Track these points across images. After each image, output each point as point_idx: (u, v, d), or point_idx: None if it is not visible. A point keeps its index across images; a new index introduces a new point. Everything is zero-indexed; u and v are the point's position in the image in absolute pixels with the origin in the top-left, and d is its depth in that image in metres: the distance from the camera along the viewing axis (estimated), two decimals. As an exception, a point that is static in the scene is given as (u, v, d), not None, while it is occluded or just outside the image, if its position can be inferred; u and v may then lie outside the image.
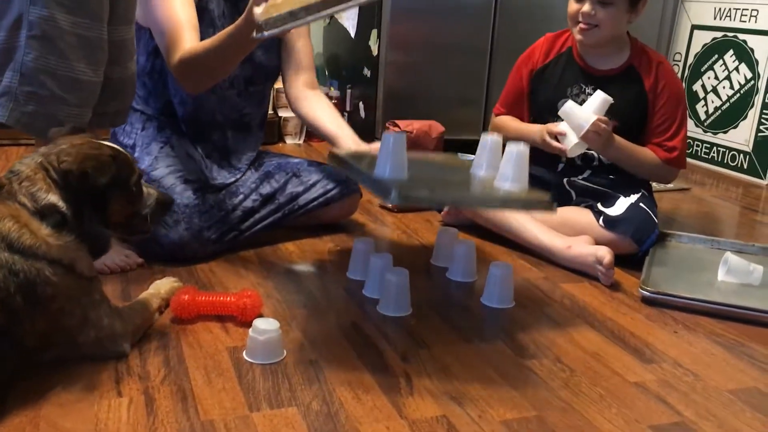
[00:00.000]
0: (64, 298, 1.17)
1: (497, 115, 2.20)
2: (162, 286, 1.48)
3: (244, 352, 1.31)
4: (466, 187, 1.50)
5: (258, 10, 1.43)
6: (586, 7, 1.92)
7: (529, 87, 2.10)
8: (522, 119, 2.13)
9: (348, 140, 1.84)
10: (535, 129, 2.01)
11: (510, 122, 2.12)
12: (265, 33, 1.34)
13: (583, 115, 1.87)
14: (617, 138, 1.93)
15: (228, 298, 1.43)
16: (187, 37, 1.67)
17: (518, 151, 1.48)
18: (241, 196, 1.87)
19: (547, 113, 2.09)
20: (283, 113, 3.20)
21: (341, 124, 1.91)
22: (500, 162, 1.55)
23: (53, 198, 1.17)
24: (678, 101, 2.01)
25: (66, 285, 1.16)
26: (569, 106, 1.89)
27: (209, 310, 1.43)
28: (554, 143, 1.92)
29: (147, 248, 1.72)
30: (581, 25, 1.95)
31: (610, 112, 1.93)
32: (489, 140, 1.61)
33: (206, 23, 1.82)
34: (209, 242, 1.75)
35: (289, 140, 3.23)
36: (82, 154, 1.21)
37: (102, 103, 1.56)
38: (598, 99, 1.89)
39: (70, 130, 1.31)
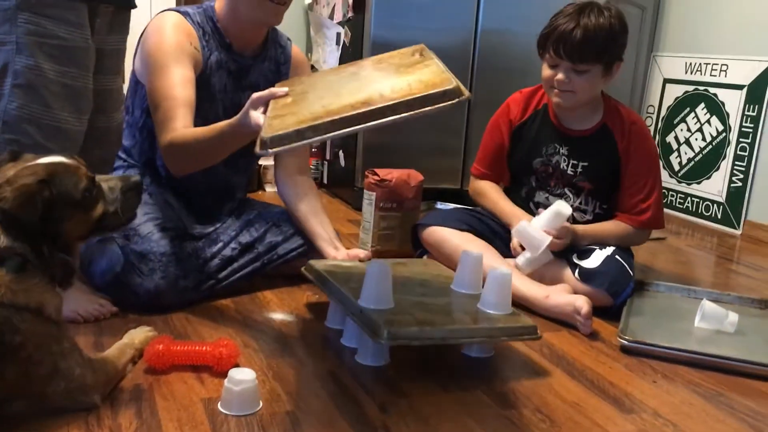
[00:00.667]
0: (34, 347, 1.13)
1: (477, 176, 2.19)
2: (136, 335, 1.45)
3: (219, 404, 1.28)
4: (451, 315, 1.53)
5: (255, 114, 1.41)
6: (561, 75, 1.92)
7: (510, 143, 2.11)
8: (502, 177, 2.16)
9: (326, 244, 1.86)
10: (510, 215, 2.03)
11: (491, 193, 2.13)
12: (269, 151, 1.28)
13: (537, 236, 1.89)
14: (580, 229, 1.97)
15: (203, 348, 1.41)
16: (180, 116, 1.63)
17: (501, 277, 1.54)
18: (220, 245, 1.86)
19: (523, 174, 2.11)
20: (263, 161, 3.21)
21: (323, 221, 1.91)
22: (480, 281, 1.63)
23: (6, 241, 1.14)
24: (650, 164, 2.02)
25: (35, 332, 1.13)
26: (522, 228, 1.90)
27: (184, 360, 1.41)
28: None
29: (122, 297, 1.69)
30: (556, 91, 1.95)
31: (585, 173, 1.98)
32: (470, 258, 1.64)
33: (205, 96, 1.80)
34: (186, 291, 1.73)
35: (269, 188, 3.23)
36: (15, 190, 1.14)
37: (85, 151, 1.55)
38: (551, 214, 1.90)
39: (9, 155, 1.23)
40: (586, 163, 1.99)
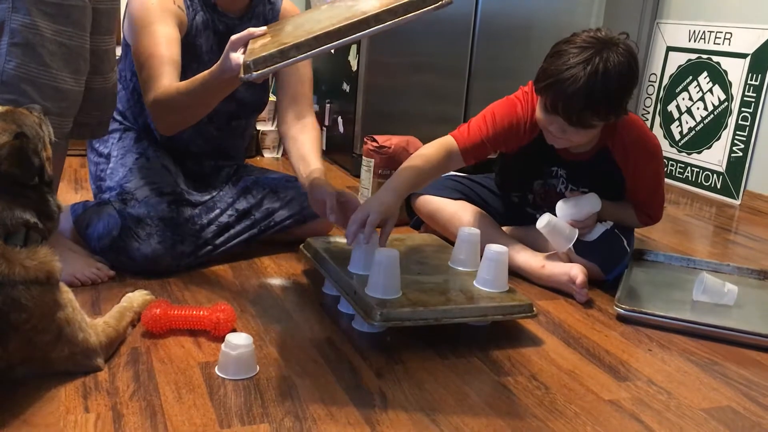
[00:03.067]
0: (38, 317, 1.14)
1: (456, 142, 1.84)
2: (134, 299, 1.45)
3: (216, 368, 1.28)
4: (446, 295, 1.51)
5: (235, 55, 1.38)
6: (554, 128, 1.72)
7: (512, 157, 1.94)
8: (476, 162, 1.90)
9: (305, 164, 1.78)
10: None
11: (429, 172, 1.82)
12: (254, 74, 1.25)
13: (567, 232, 1.80)
14: (605, 205, 1.86)
15: (201, 313, 1.41)
16: (165, 74, 1.59)
17: (497, 255, 1.52)
18: (217, 211, 1.85)
19: (517, 188, 2.02)
20: (261, 127, 3.19)
21: (309, 162, 1.80)
22: (478, 257, 1.62)
23: (11, 213, 1.12)
24: (657, 175, 1.89)
25: (41, 304, 1.13)
26: (553, 223, 1.79)
27: (181, 324, 1.41)
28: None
29: (119, 261, 1.69)
30: (551, 136, 1.76)
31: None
32: (467, 234, 1.63)
33: (192, 58, 1.78)
34: (182, 256, 1.73)
35: (267, 154, 3.22)
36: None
37: (83, 113, 1.54)
38: (585, 210, 1.81)
39: None
40: (585, 189, 1.88)
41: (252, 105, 1.98)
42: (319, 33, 1.23)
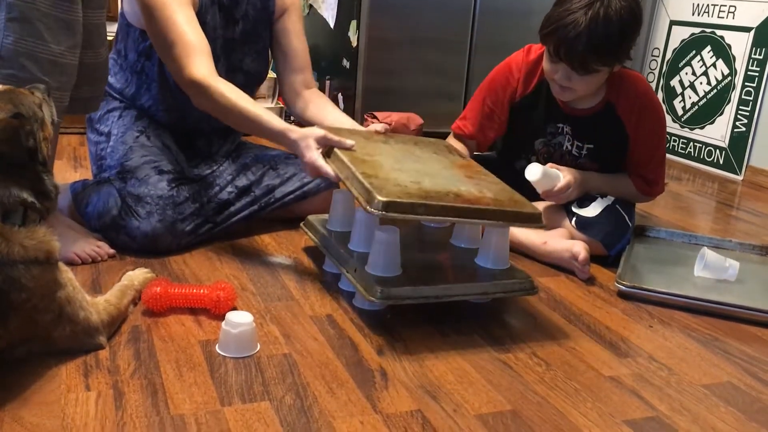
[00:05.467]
0: (39, 297, 1.13)
1: (458, 135, 2.03)
2: (135, 277, 1.45)
3: (216, 346, 1.29)
4: (446, 272, 1.51)
5: (316, 155, 1.49)
6: (559, 75, 1.78)
7: (509, 116, 1.98)
8: (487, 140, 2.02)
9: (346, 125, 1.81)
10: None
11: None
12: (383, 213, 1.32)
13: (552, 173, 1.84)
14: (592, 179, 1.91)
15: (201, 291, 1.41)
16: (202, 61, 1.63)
17: (498, 232, 1.52)
18: (216, 188, 1.84)
19: (520, 149, 2.01)
20: (262, 104, 3.16)
21: (334, 115, 1.87)
22: (479, 234, 1.62)
23: (8, 191, 1.12)
24: (660, 132, 1.93)
25: (41, 283, 1.13)
26: (542, 171, 1.82)
27: (182, 302, 1.41)
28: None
29: (118, 239, 1.69)
30: (556, 88, 1.82)
31: (591, 155, 1.92)
32: None
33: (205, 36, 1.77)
34: (183, 234, 1.72)
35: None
36: None
37: (75, 88, 1.52)
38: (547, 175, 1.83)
39: None
40: (591, 146, 1.91)
41: (257, 76, 2.00)
42: (446, 204, 1.37)
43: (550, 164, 1.89)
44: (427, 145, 1.74)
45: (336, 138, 1.53)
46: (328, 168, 1.49)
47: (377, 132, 1.74)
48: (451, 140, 2.04)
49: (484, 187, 1.50)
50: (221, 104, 1.61)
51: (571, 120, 1.91)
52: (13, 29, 1.36)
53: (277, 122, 1.58)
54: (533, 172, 1.82)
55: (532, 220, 1.45)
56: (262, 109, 1.61)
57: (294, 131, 1.55)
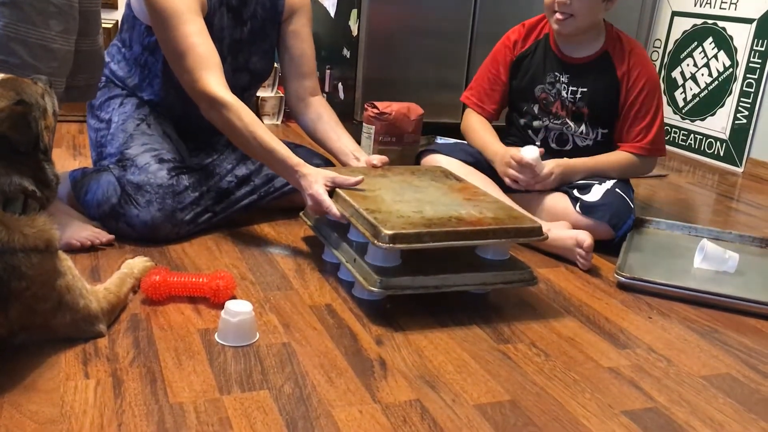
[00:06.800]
0: (39, 285, 1.13)
1: (467, 104, 2.19)
2: (135, 265, 1.45)
3: (215, 335, 1.29)
4: (446, 262, 1.51)
5: (321, 190, 1.54)
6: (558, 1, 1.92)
7: (508, 77, 2.11)
8: (493, 108, 2.15)
9: (347, 158, 1.86)
10: (496, 152, 2.00)
11: (478, 129, 2.10)
12: (391, 246, 1.36)
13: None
14: (577, 162, 1.99)
15: (201, 279, 1.41)
16: (216, 75, 1.65)
17: None
18: (216, 177, 1.84)
19: (524, 101, 2.11)
20: (261, 93, 3.16)
21: (340, 135, 1.91)
22: None
23: (9, 178, 1.11)
24: (653, 88, 2.02)
25: (41, 272, 1.13)
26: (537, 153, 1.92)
27: (181, 291, 1.41)
28: (511, 171, 1.94)
29: (118, 228, 1.68)
30: (557, 15, 1.95)
31: (584, 98, 2.02)
32: None
33: (211, 37, 1.78)
34: (182, 224, 1.72)
35: (266, 120, 3.19)
36: None
37: (71, 75, 1.52)
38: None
39: None
40: (585, 89, 2.02)
41: (262, 74, 2.01)
42: (449, 230, 1.41)
43: (540, 149, 1.97)
44: (424, 174, 1.79)
45: (343, 178, 1.59)
46: (331, 204, 1.53)
47: (374, 166, 1.79)
48: (468, 114, 2.16)
49: (484, 208, 1.55)
50: (235, 126, 1.63)
51: (568, 68, 2.03)
52: (3, 14, 1.35)
53: (290, 156, 1.61)
54: (531, 151, 1.92)
55: (533, 234, 1.50)
56: (276, 141, 1.63)
57: (306, 166, 1.60)
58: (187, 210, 1.73)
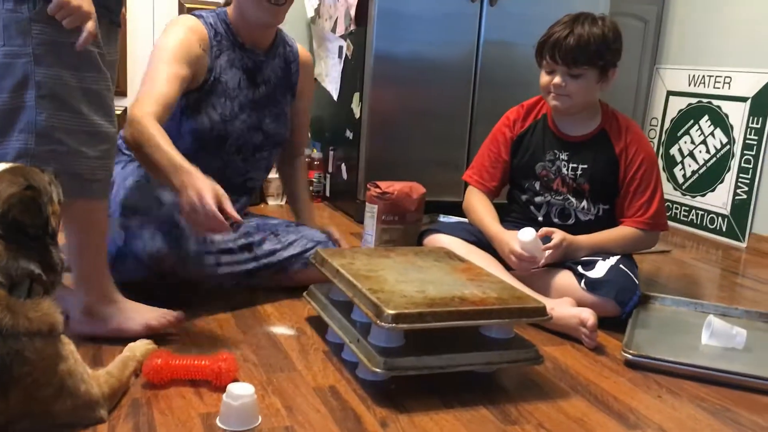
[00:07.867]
0: (40, 371, 1.12)
1: (469, 182, 2.22)
2: (137, 348, 1.44)
3: (217, 419, 1.26)
4: (450, 341, 1.50)
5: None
6: (557, 79, 1.99)
7: (509, 155, 2.16)
8: (494, 185, 2.18)
9: (307, 222, 2.13)
10: (494, 235, 2.01)
11: (479, 210, 2.11)
12: (393, 326, 1.36)
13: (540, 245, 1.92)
14: (581, 239, 1.98)
15: (202, 362, 1.39)
16: (151, 105, 1.70)
17: None
18: (217, 243, 1.86)
19: (525, 179, 2.14)
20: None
21: (304, 204, 2.21)
22: None
23: (16, 263, 1.12)
24: (650, 164, 2.05)
25: (44, 356, 1.12)
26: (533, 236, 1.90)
27: (183, 374, 1.39)
28: (513, 258, 1.93)
29: (125, 268, 1.70)
30: (553, 95, 2.01)
31: (584, 174, 2.05)
32: None
33: (219, 94, 1.91)
34: (188, 259, 1.75)
35: (270, 201, 3.22)
36: (7, 200, 1.12)
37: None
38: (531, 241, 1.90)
39: None
40: (585, 166, 2.06)
41: (276, 137, 2.07)
42: (451, 309, 1.42)
43: (544, 230, 1.96)
44: (427, 254, 1.81)
45: (228, 203, 1.55)
46: (219, 215, 1.51)
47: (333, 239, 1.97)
48: (470, 192, 2.20)
49: (487, 288, 1.55)
50: (141, 135, 1.63)
51: (567, 145, 2.08)
52: (44, 106, 1.39)
53: (173, 153, 1.60)
54: (527, 234, 1.90)
55: (537, 314, 1.50)
56: (165, 141, 1.62)
57: (195, 170, 1.57)
58: (192, 241, 1.75)
